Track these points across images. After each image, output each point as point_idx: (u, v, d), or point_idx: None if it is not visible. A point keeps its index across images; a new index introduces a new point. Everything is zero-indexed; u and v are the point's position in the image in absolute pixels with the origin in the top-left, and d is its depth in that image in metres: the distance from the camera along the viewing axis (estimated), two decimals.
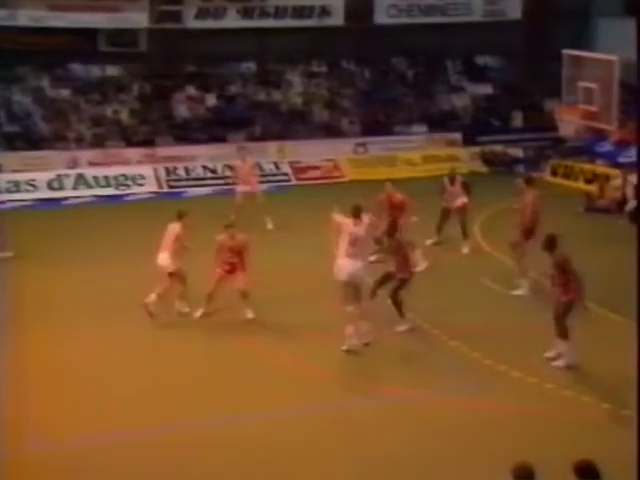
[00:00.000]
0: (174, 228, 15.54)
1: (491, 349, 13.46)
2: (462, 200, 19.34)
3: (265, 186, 23.75)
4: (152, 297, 15.13)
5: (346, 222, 13.65)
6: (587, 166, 26.19)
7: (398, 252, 14.29)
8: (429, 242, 19.25)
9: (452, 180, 19.62)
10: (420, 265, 16.98)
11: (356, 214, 13.74)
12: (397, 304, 14.27)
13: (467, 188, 19.53)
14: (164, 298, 15.22)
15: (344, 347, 13.55)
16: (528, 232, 16.36)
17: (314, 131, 29.41)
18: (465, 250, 19.14)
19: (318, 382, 12.73)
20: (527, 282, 16.37)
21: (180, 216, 15.72)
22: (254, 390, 12.42)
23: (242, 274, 14.92)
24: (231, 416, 11.68)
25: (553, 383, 12.30)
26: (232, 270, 14.96)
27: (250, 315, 15.03)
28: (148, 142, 27.67)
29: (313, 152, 27.80)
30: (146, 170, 26.45)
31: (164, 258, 15.37)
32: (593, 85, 25.58)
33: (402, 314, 14.33)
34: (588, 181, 25.54)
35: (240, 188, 21.61)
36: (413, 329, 14.35)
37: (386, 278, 14.44)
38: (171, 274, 15.36)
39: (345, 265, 13.43)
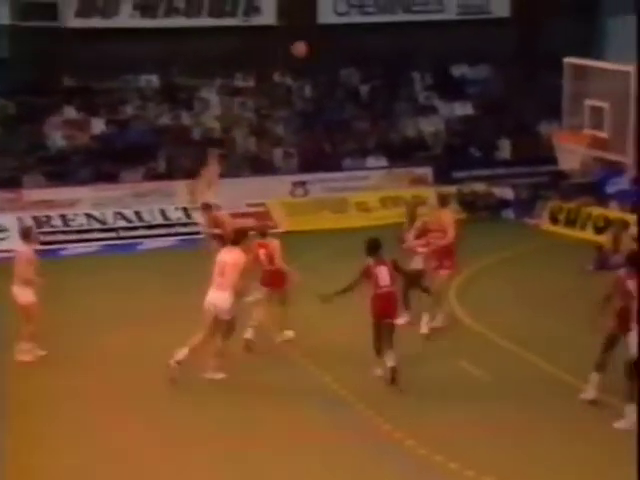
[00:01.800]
0: (25, 250, 17.50)
1: (475, 458, 13.52)
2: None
3: (172, 240, 23.54)
4: None
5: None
6: (597, 210, 26.45)
7: None
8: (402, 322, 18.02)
9: (412, 217, 19.10)
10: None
11: (232, 239, 16.30)
12: None
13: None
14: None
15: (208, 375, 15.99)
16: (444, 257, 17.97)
17: (237, 166, 29.52)
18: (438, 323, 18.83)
19: None
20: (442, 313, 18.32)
21: (27, 235, 17.88)
22: None
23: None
24: None
25: None
26: None
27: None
28: (11, 182, 27.58)
29: (236, 194, 27.59)
30: (7, 220, 26.21)
31: (19, 291, 17.23)
32: (603, 104, 25.90)
33: None
34: (599, 230, 25.74)
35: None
36: None
37: None
38: (26, 307, 17.13)
39: (210, 297, 15.86)
